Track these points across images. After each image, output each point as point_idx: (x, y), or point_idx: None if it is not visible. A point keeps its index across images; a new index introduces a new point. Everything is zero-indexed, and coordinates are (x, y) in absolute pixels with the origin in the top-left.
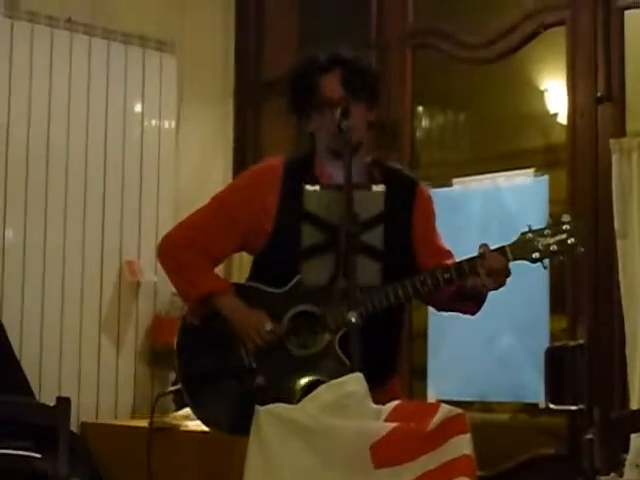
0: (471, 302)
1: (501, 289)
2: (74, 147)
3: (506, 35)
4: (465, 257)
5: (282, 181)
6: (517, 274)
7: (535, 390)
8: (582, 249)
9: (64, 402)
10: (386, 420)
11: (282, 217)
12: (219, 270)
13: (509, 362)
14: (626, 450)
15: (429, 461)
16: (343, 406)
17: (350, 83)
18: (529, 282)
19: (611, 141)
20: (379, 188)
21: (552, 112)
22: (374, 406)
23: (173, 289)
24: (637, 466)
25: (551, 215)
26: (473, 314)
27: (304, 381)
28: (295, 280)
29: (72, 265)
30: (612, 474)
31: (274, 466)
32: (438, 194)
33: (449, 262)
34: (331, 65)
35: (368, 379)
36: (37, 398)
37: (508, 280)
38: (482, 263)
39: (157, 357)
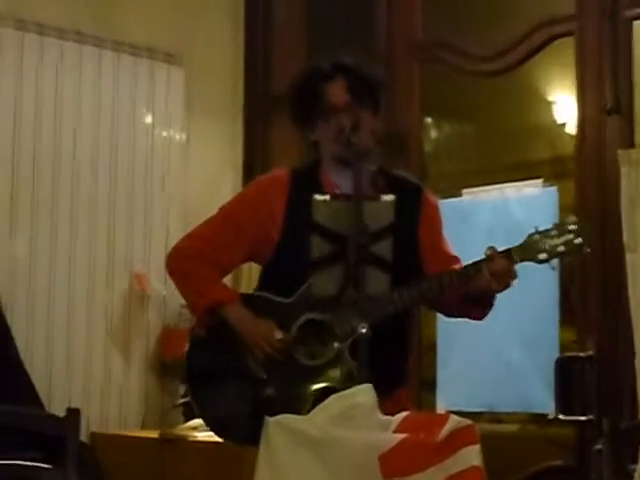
0: (478, 307)
1: (512, 301)
2: (83, 159)
3: (514, 47)
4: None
5: (288, 190)
6: (527, 286)
7: (544, 401)
8: (588, 249)
9: (74, 413)
10: (395, 431)
11: (290, 226)
12: (227, 280)
13: (518, 373)
14: (635, 461)
15: (438, 472)
16: (351, 417)
17: (355, 89)
18: (539, 294)
19: (619, 152)
20: (388, 198)
21: (560, 123)
22: (383, 417)
23: (182, 301)
24: None
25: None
26: (481, 319)
27: (315, 387)
28: (303, 289)
29: (81, 277)
30: None
31: (283, 477)
32: (447, 205)
33: (456, 267)
34: (335, 72)
35: (376, 388)
36: (47, 409)
37: (514, 282)
38: (488, 265)
39: (166, 369)
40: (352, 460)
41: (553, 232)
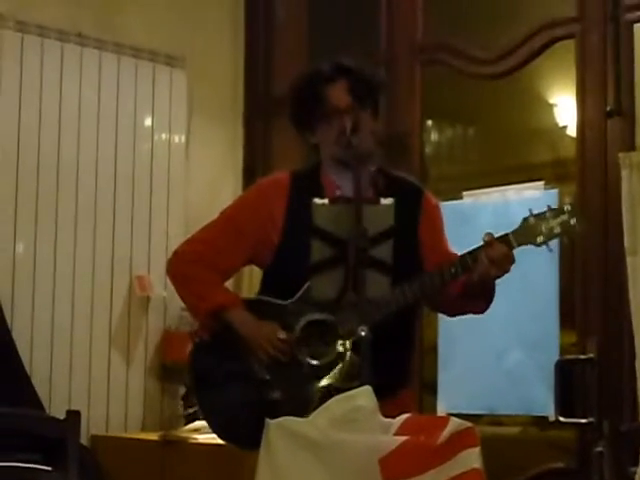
0: (479, 299)
1: (512, 304)
2: (84, 161)
3: (515, 50)
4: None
5: (289, 192)
6: (527, 289)
7: (545, 403)
8: (582, 227)
9: (74, 415)
10: (396, 434)
11: (290, 229)
12: (228, 285)
13: (519, 376)
14: (636, 463)
15: (438, 475)
16: (352, 420)
17: (357, 91)
18: (539, 296)
19: (620, 155)
20: (388, 202)
21: (561, 126)
22: (383, 420)
23: (183, 304)
24: None
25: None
26: (482, 312)
27: (321, 384)
28: (303, 290)
29: (82, 280)
30: None
31: (284, 479)
32: (448, 207)
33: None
34: (337, 74)
35: (379, 389)
36: (47, 412)
37: (512, 267)
38: (487, 251)
39: (167, 371)
40: (353, 463)
41: (548, 214)
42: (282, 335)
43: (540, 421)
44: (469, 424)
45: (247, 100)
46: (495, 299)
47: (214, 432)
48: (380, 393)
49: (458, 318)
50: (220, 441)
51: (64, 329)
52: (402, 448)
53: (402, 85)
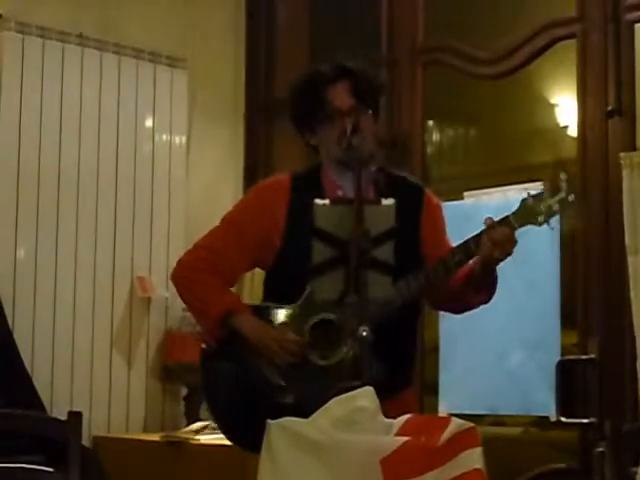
0: (483, 289)
1: (514, 305)
2: (85, 162)
3: (516, 50)
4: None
5: (289, 194)
6: (529, 289)
7: (546, 403)
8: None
9: (75, 416)
10: (397, 434)
11: (291, 232)
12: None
13: (520, 376)
14: (637, 463)
15: (440, 475)
16: (353, 421)
17: (359, 92)
18: (540, 297)
19: (621, 155)
20: (389, 202)
21: (562, 126)
22: (385, 420)
23: (184, 305)
24: None
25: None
26: (487, 302)
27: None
28: (306, 294)
29: (83, 281)
30: None
31: None
32: (449, 208)
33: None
34: (339, 76)
35: (383, 389)
36: (49, 413)
37: (515, 249)
38: (489, 234)
39: (168, 372)
40: (354, 464)
41: (545, 194)
42: (293, 337)
43: (541, 421)
44: (471, 424)
45: (248, 101)
46: (496, 299)
47: (231, 441)
48: (383, 393)
49: (458, 318)
50: (220, 441)
51: (65, 330)
52: (403, 448)
53: (403, 86)
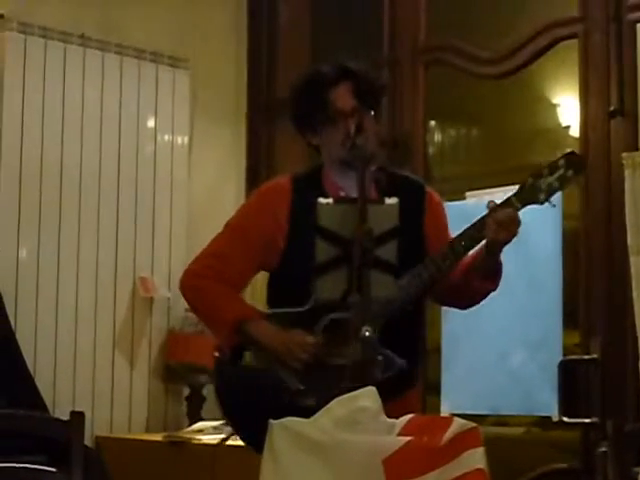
0: (488, 277)
1: (516, 304)
2: (87, 162)
3: (518, 50)
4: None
5: (291, 196)
6: (530, 289)
7: (548, 403)
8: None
9: (78, 416)
10: (400, 434)
11: (295, 232)
12: None
13: (522, 376)
14: (639, 463)
15: (442, 475)
16: (356, 421)
17: (362, 94)
18: (542, 297)
19: (623, 155)
20: (392, 201)
21: (565, 126)
22: (387, 420)
23: (187, 305)
24: None
25: None
26: (495, 288)
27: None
28: (314, 296)
29: (86, 281)
30: None
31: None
32: (451, 208)
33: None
34: (341, 77)
35: (388, 390)
36: (51, 413)
37: (519, 230)
38: (493, 216)
39: (171, 372)
40: (356, 464)
41: (545, 172)
42: (311, 339)
43: (544, 421)
44: (473, 424)
45: (250, 101)
46: (498, 299)
47: (257, 451)
48: (387, 393)
49: (460, 318)
50: (221, 442)
51: (68, 330)
52: (406, 448)
53: (405, 86)
